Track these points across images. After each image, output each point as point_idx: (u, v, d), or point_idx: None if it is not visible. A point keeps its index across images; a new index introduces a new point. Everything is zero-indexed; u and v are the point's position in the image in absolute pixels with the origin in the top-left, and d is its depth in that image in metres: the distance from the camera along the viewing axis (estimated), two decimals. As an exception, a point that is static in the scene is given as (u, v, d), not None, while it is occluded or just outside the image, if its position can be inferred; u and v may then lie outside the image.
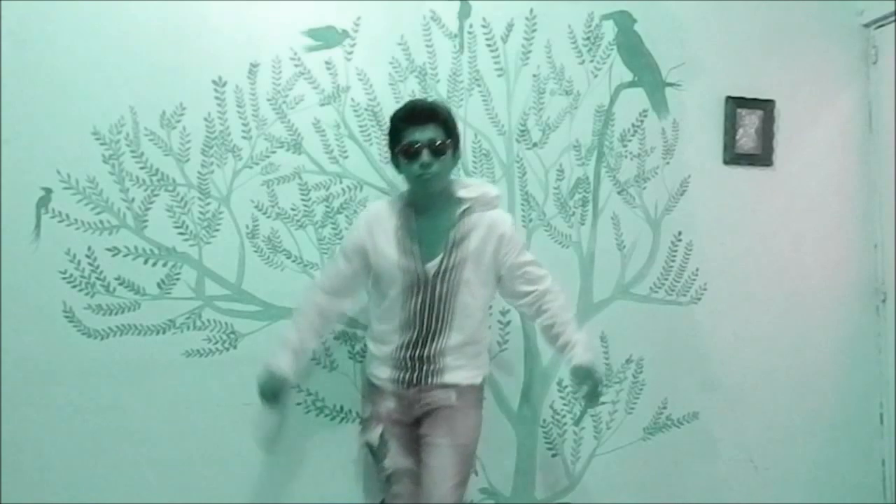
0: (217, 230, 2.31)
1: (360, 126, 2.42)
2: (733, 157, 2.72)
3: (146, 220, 2.26)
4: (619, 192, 2.62)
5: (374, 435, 2.11)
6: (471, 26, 2.51)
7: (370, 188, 2.42)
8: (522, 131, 2.54)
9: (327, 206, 2.39)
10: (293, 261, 2.36)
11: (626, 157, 2.63)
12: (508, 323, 2.40)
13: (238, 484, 2.30)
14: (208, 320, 2.29)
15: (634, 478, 2.61)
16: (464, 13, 2.50)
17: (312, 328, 2.14)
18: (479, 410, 2.15)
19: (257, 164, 2.34)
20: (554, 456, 2.54)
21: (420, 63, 2.46)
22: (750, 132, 2.74)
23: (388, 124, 2.40)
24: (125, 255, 2.24)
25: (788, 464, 2.76)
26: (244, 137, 2.33)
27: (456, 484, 2.04)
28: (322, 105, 2.39)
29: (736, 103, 2.71)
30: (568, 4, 2.58)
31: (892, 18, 2.79)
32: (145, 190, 2.26)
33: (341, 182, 2.40)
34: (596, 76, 2.61)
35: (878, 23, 2.84)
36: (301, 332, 2.13)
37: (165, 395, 2.25)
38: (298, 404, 2.34)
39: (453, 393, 2.08)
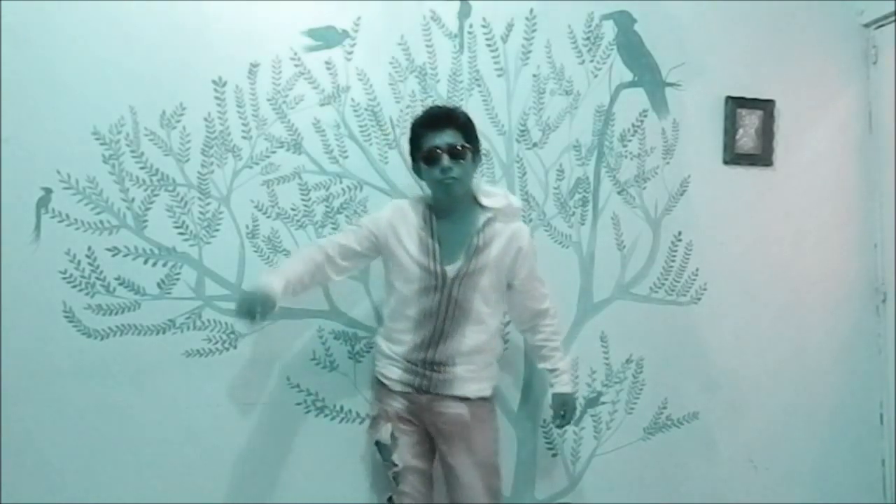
0: (217, 230, 2.31)
1: (360, 126, 2.42)
2: (733, 157, 2.72)
3: (146, 220, 2.26)
4: (619, 192, 2.62)
5: (385, 432, 2.11)
6: (471, 26, 2.51)
7: (370, 188, 2.42)
8: (522, 131, 2.54)
9: (327, 206, 2.39)
10: (293, 261, 2.36)
11: (626, 157, 2.63)
12: (508, 323, 2.39)
13: (238, 484, 2.30)
14: (208, 320, 2.29)
15: (634, 478, 2.61)
16: (464, 13, 2.50)
17: (306, 277, 2.09)
18: (493, 423, 2.19)
19: (257, 164, 2.34)
20: (554, 456, 2.54)
21: (420, 63, 2.46)
22: (750, 132, 2.74)
23: (387, 124, 2.43)
24: (125, 255, 2.24)
25: (788, 464, 2.76)
26: (244, 137, 2.33)
27: (490, 498, 2.10)
28: (322, 105, 2.39)
29: (736, 103, 2.71)
30: (568, 4, 2.58)
31: (892, 18, 2.79)
32: (145, 190, 2.26)
33: (341, 182, 2.40)
34: (596, 76, 2.61)
35: (878, 23, 2.84)
36: (297, 273, 2.07)
37: (165, 395, 2.26)
38: (298, 404, 2.35)
39: (465, 408, 2.09)
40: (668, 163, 2.67)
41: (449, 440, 2.10)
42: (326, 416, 2.37)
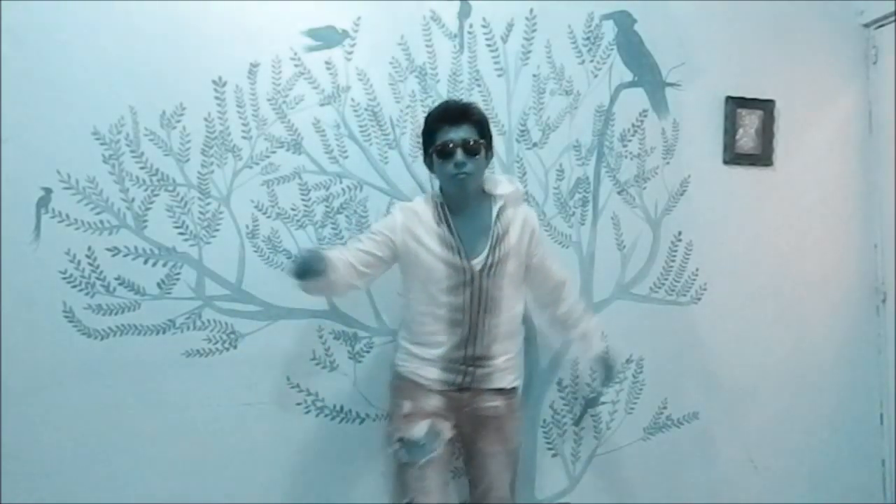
0: (217, 230, 2.31)
1: (360, 126, 2.42)
2: (733, 157, 2.72)
3: (146, 220, 2.26)
4: (619, 192, 2.62)
5: (419, 429, 2.04)
6: (471, 26, 2.51)
7: (370, 188, 2.42)
8: (522, 131, 2.54)
9: (327, 206, 2.39)
10: (293, 261, 2.35)
11: (626, 157, 2.63)
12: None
13: (238, 484, 2.30)
14: (208, 320, 2.29)
15: (634, 478, 2.61)
16: (464, 13, 2.50)
17: (339, 262, 1.97)
18: (521, 412, 2.23)
19: (257, 164, 2.34)
20: (554, 456, 2.54)
21: (420, 63, 2.46)
22: (750, 132, 2.74)
23: (387, 124, 2.43)
24: (125, 255, 2.24)
25: (788, 464, 2.76)
26: (244, 137, 2.33)
27: (512, 483, 2.16)
28: (322, 105, 2.39)
29: (736, 103, 2.71)
30: (568, 4, 2.58)
31: (892, 18, 2.79)
32: (145, 190, 2.26)
33: (341, 182, 2.40)
34: (596, 76, 2.61)
35: (878, 23, 2.84)
36: (332, 255, 1.97)
37: (165, 395, 2.25)
38: (298, 404, 2.35)
39: (502, 400, 2.12)
40: (668, 163, 2.67)
41: (483, 431, 2.12)
42: (326, 416, 2.37)
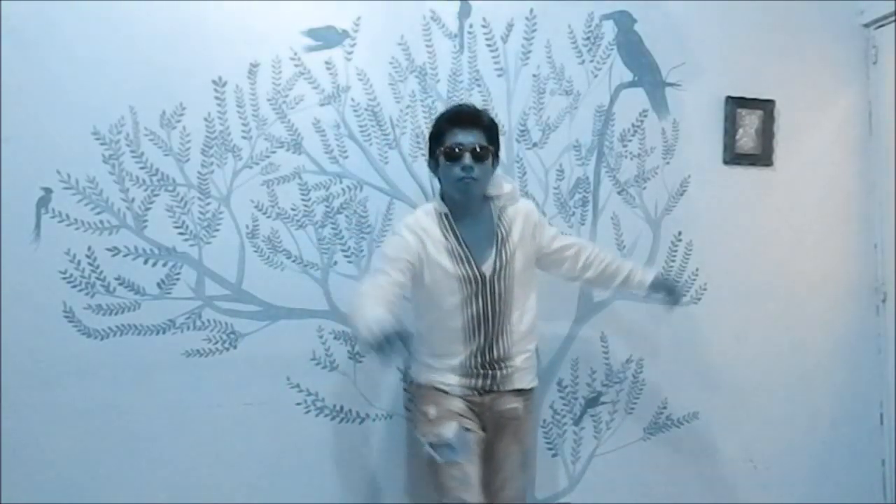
0: (217, 230, 2.31)
1: (360, 126, 2.42)
2: (733, 157, 2.72)
3: (146, 220, 2.26)
4: (619, 192, 2.62)
5: (449, 429, 2.01)
6: (471, 26, 2.51)
7: (370, 188, 2.42)
8: (522, 131, 2.54)
9: (327, 206, 2.39)
10: (293, 261, 2.36)
11: (626, 157, 2.63)
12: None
13: (238, 484, 2.30)
14: (208, 320, 2.29)
15: (634, 478, 2.61)
16: (464, 13, 2.50)
17: (387, 300, 1.89)
18: (536, 412, 2.25)
19: (257, 164, 2.34)
20: (554, 456, 2.54)
21: (420, 63, 2.46)
22: (750, 132, 2.74)
23: (387, 124, 2.43)
24: (125, 255, 2.24)
25: (788, 464, 2.76)
26: (244, 137, 2.33)
27: (525, 483, 2.19)
28: (322, 105, 2.39)
29: (736, 103, 2.71)
30: (568, 4, 2.58)
31: (892, 18, 2.79)
32: (145, 190, 2.26)
33: (341, 182, 2.40)
34: (596, 76, 2.61)
35: (878, 23, 2.84)
36: (375, 301, 1.86)
37: (165, 395, 2.25)
38: (298, 404, 2.34)
39: (521, 401, 2.13)
40: (668, 163, 2.67)
41: (502, 433, 2.12)
42: (326, 416, 2.37)
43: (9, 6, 2.16)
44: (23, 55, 2.17)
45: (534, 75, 2.55)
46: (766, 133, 2.75)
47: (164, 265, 2.27)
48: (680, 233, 2.67)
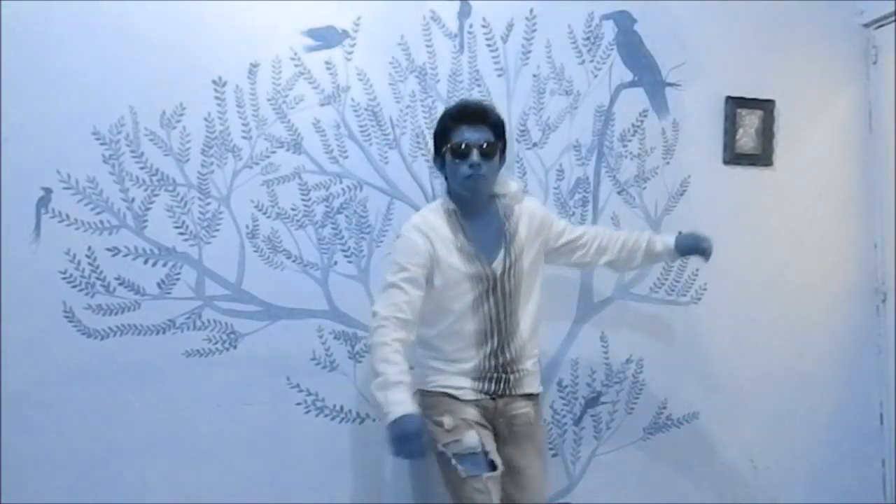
0: (217, 230, 2.31)
1: (360, 126, 2.42)
2: (733, 157, 2.72)
3: (146, 220, 2.26)
4: (619, 192, 2.62)
5: (471, 438, 1.95)
6: (471, 26, 2.51)
7: (370, 188, 2.42)
8: (522, 131, 2.54)
9: (327, 206, 2.39)
10: (293, 261, 2.36)
11: (626, 157, 2.63)
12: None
13: (238, 484, 2.30)
14: (208, 320, 2.29)
15: (634, 478, 2.61)
16: (464, 13, 2.50)
17: (406, 363, 1.91)
18: (543, 416, 2.22)
19: (257, 164, 2.34)
20: (554, 456, 2.54)
21: (420, 63, 2.46)
22: (750, 132, 2.74)
23: (387, 124, 2.43)
24: (125, 255, 2.24)
25: (788, 464, 2.76)
26: (244, 137, 2.33)
27: (545, 483, 2.13)
28: (322, 105, 2.39)
29: (736, 103, 2.71)
30: (568, 4, 2.58)
31: (892, 18, 2.79)
32: (145, 190, 2.26)
33: (341, 182, 2.40)
34: (596, 76, 2.61)
35: (878, 23, 2.84)
36: (401, 368, 1.88)
37: (165, 395, 2.25)
38: (298, 404, 2.34)
39: (531, 406, 2.10)
40: (668, 163, 2.67)
41: (518, 441, 2.07)
42: (326, 416, 2.37)
43: (9, 6, 2.16)
44: (23, 55, 2.17)
45: (534, 75, 2.55)
46: (766, 133, 2.75)
47: (164, 265, 2.27)
48: (680, 233, 2.66)
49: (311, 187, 2.38)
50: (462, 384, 2.04)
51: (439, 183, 2.43)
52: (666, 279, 2.65)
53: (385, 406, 1.85)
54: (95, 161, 2.22)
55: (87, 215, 2.22)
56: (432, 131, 2.14)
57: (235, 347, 2.31)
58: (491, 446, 1.99)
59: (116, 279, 2.23)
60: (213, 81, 2.31)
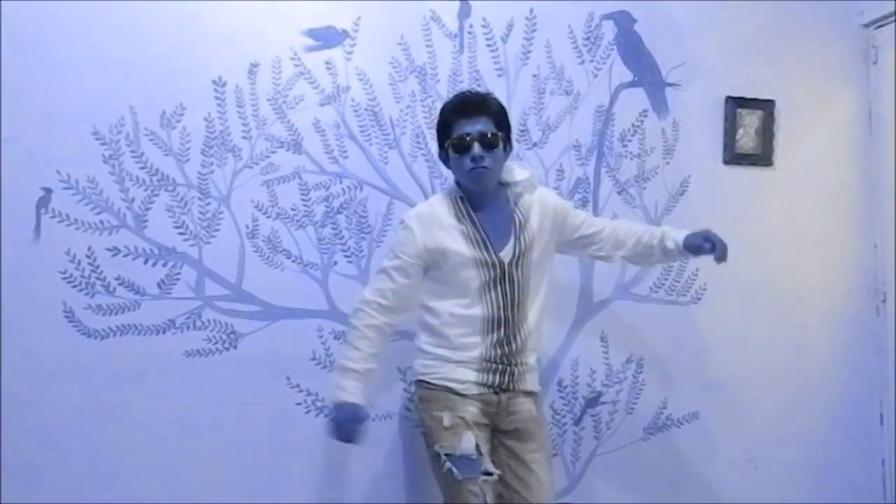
0: (217, 230, 2.31)
1: (360, 126, 2.42)
2: (733, 157, 2.72)
3: (146, 220, 2.26)
4: (619, 192, 2.62)
5: (468, 442, 1.94)
6: (471, 26, 2.51)
7: (370, 188, 2.42)
8: (522, 131, 2.54)
9: (327, 206, 2.39)
10: (293, 261, 2.36)
11: (626, 157, 2.63)
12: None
13: (238, 484, 2.30)
14: (208, 320, 2.29)
15: (634, 478, 2.61)
16: (464, 13, 2.50)
17: (374, 350, 2.01)
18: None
19: (257, 164, 2.34)
20: (554, 456, 2.54)
21: (420, 63, 2.46)
22: (750, 132, 2.74)
23: (387, 124, 2.43)
24: (125, 255, 2.24)
25: (788, 464, 2.76)
26: (244, 137, 2.33)
27: (551, 484, 2.10)
28: (322, 105, 2.39)
29: (736, 103, 2.71)
30: (568, 4, 2.58)
31: (892, 18, 2.79)
32: (145, 190, 2.26)
33: (341, 182, 2.40)
34: (596, 76, 2.61)
35: (878, 23, 2.84)
36: (364, 357, 2.00)
37: (165, 395, 2.25)
38: (298, 404, 2.34)
39: (532, 403, 2.08)
40: (668, 163, 2.67)
41: (522, 439, 2.05)
42: (326, 416, 2.36)
43: (9, 6, 2.16)
44: (23, 55, 2.17)
45: (534, 75, 2.55)
46: (766, 133, 2.75)
47: (164, 265, 2.27)
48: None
49: (311, 187, 2.38)
50: (465, 377, 2.01)
51: (439, 183, 2.44)
52: (666, 279, 2.65)
53: (336, 388, 2.00)
54: (95, 161, 2.22)
55: (87, 215, 2.22)
56: (434, 131, 2.13)
57: (235, 347, 2.31)
58: (486, 450, 1.97)
59: (116, 279, 2.23)
60: (213, 81, 2.31)
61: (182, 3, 2.28)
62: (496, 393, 2.02)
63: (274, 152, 2.35)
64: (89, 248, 2.21)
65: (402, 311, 2.07)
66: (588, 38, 2.60)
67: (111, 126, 2.24)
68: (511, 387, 2.03)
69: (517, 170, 2.10)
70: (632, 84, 2.64)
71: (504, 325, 2.00)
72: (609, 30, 2.62)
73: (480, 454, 1.95)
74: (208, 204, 2.31)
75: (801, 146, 2.81)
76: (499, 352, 2.01)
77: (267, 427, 2.32)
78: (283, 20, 2.35)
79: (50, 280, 2.18)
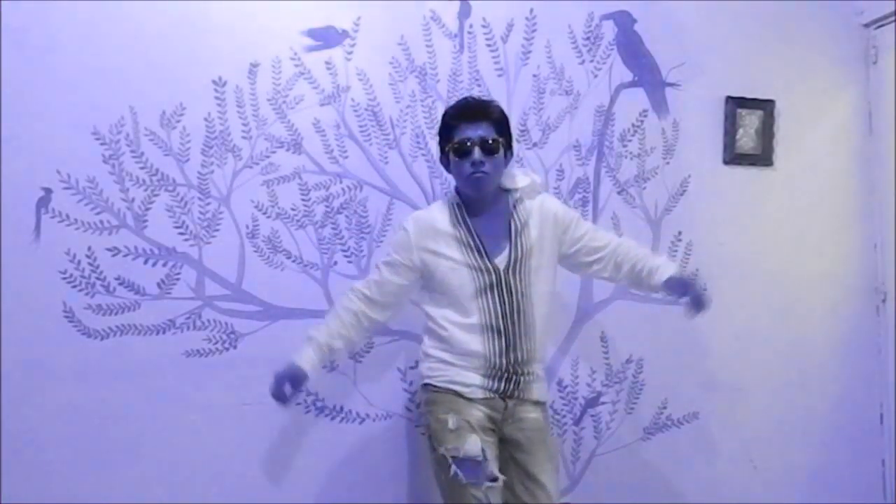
0: (217, 230, 2.31)
1: (360, 126, 2.42)
2: (733, 157, 2.72)
3: (146, 220, 2.26)
4: (619, 192, 2.62)
5: (473, 444, 1.93)
6: (471, 26, 2.51)
7: (370, 188, 2.42)
8: (522, 131, 2.54)
9: (327, 206, 2.39)
10: (293, 261, 2.36)
11: (626, 157, 2.63)
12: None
13: (238, 484, 2.30)
14: (208, 320, 2.29)
15: (634, 478, 2.61)
16: (464, 13, 2.50)
17: (343, 330, 2.07)
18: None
19: (257, 164, 2.34)
20: (554, 456, 2.54)
21: (420, 63, 2.46)
22: (750, 132, 2.74)
23: (387, 124, 2.43)
24: (125, 255, 2.24)
25: (788, 464, 2.76)
26: (244, 137, 2.33)
27: (557, 494, 2.09)
28: (322, 105, 2.39)
29: (736, 103, 2.71)
30: (568, 4, 2.58)
31: (892, 18, 2.79)
32: (145, 190, 2.26)
33: (341, 182, 2.40)
34: (596, 76, 2.61)
35: (878, 23, 2.84)
36: (330, 332, 2.07)
37: (165, 395, 2.25)
38: (298, 404, 2.34)
39: (539, 412, 2.07)
40: (668, 163, 2.67)
41: (530, 448, 2.03)
42: (326, 416, 2.37)
43: (9, 6, 2.16)
44: (23, 55, 2.17)
45: (534, 75, 2.55)
46: (766, 133, 2.75)
47: (164, 265, 2.27)
48: (680, 233, 2.67)
49: (311, 187, 2.38)
50: (471, 381, 2.00)
51: (439, 183, 2.44)
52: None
53: (295, 352, 2.07)
54: (95, 161, 2.22)
55: (87, 215, 2.22)
56: (434, 131, 2.13)
57: (235, 347, 2.31)
58: (492, 455, 1.96)
59: (116, 279, 2.23)
60: (213, 81, 2.31)
61: (182, 4, 2.28)
62: (503, 399, 2.01)
63: (274, 152, 2.35)
64: (89, 248, 2.21)
65: (385, 308, 2.11)
66: (588, 38, 2.60)
67: (111, 126, 2.24)
68: (517, 394, 2.02)
69: (519, 176, 2.11)
70: (632, 84, 2.64)
71: (506, 334, 1.99)
72: (609, 30, 2.62)
73: (486, 458, 1.94)
74: (208, 204, 2.31)
75: (801, 146, 2.81)
76: (503, 360, 1.99)
77: (267, 427, 2.32)
78: (283, 20, 2.35)
79: (50, 280, 2.18)
